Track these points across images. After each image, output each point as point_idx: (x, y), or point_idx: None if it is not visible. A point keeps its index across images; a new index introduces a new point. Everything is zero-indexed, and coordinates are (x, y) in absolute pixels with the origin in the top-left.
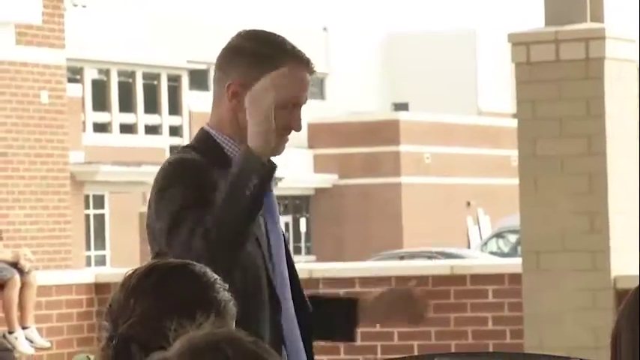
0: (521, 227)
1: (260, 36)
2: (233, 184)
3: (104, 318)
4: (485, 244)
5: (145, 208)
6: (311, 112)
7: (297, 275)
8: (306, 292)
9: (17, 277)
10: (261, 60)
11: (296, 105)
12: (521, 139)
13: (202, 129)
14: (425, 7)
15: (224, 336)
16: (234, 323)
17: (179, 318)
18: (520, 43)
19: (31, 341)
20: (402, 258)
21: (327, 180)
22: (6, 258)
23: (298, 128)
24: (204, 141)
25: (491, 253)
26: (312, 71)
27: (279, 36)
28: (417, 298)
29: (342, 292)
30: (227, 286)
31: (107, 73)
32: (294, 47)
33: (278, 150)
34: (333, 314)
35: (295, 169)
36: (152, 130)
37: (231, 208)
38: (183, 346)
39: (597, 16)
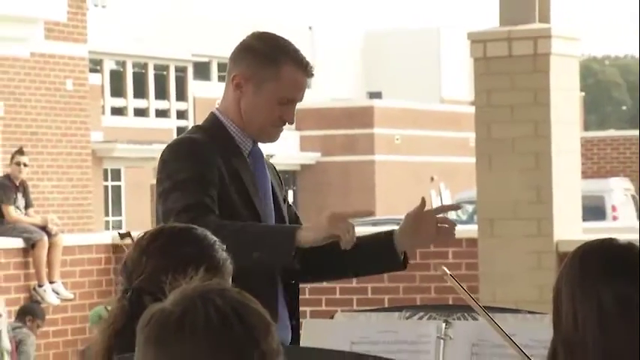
0: (477, 198)
1: (268, 38)
2: (265, 241)
3: (120, 274)
4: (446, 213)
5: (154, 181)
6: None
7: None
8: None
9: (46, 238)
10: (265, 59)
11: (291, 102)
12: (478, 124)
13: (212, 113)
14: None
15: (213, 287)
16: (230, 279)
17: (184, 274)
18: (478, 40)
19: (58, 293)
20: (374, 224)
21: (312, 157)
22: (36, 222)
23: (291, 121)
24: (212, 122)
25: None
26: (310, 74)
27: (285, 40)
28: (424, 216)
29: None
30: (224, 247)
31: (123, 64)
32: (296, 52)
33: (275, 138)
34: (374, 249)
35: (284, 148)
36: (162, 113)
37: (262, 245)
38: (177, 296)
39: (544, 18)
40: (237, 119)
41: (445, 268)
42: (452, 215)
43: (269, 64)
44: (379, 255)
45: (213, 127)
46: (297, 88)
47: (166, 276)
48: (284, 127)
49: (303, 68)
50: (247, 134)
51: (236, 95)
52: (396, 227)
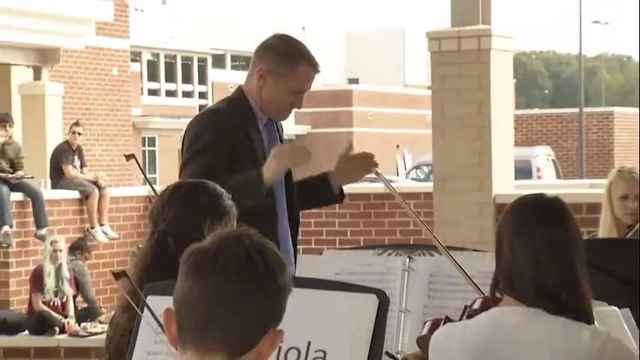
0: (433, 162)
1: (287, 40)
2: (240, 187)
3: (148, 220)
4: (408, 173)
5: (180, 146)
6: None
7: (293, 196)
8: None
9: (96, 191)
10: (284, 58)
11: (301, 92)
12: (434, 104)
13: (240, 87)
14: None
15: (242, 232)
16: (235, 221)
17: (199, 219)
18: (434, 38)
19: (106, 234)
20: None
21: (304, 129)
22: (89, 178)
23: (300, 107)
24: (239, 95)
25: (412, 179)
26: (318, 71)
27: (300, 43)
28: (364, 154)
29: None
30: (230, 196)
31: (157, 55)
32: (309, 53)
33: (285, 118)
34: (314, 187)
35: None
36: (187, 94)
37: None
38: (214, 238)
39: (486, 20)
40: (257, 100)
41: (377, 169)
42: (413, 175)
43: (287, 61)
44: (319, 192)
45: (239, 98)
46: (308, 82)
47: (184, 221)
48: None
49: (314, 67)
50: (264, 113)
51: (259, 84)
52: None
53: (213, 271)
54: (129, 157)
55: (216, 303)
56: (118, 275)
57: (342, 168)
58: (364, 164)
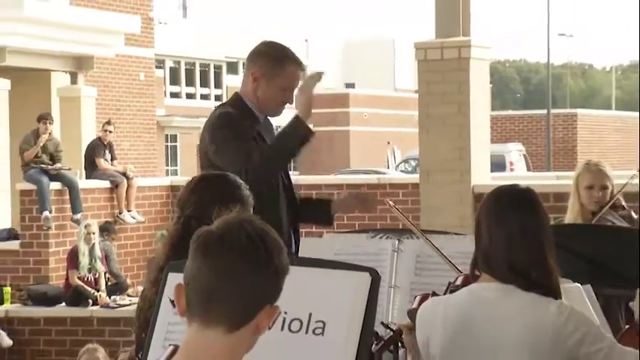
0: (419, 157)
1: (275, 46)
2: (287, 134)
3: (175, 206)
4: (398, 166)
5: (198, 142)
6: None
7: (291, 181)
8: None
9: (125, 181)
10: (274, 61)
11: (291, 89)
12: (420, 105)
13: (236, 93)
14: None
15: (245, 218)
16: (251, 209)
17: (219, 206)
18: (421, 48)
19: (134, 218)
20: (352, 173)
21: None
22: (118, 170)
23: (291, 102)
24: (236, 100)
25: (401, 171)
26: (303, 69)
27: (286, 47)
28: (365, 197)
29: (314, 193)
30: (248, 187)
31: (178, 63)
32: (294, 54)
33: (279, 114)
34: (317, 209)
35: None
36: (204, 97)
37: (283, 146)
38: (220, 222)
39: (466, 32)
40: (254, 100)
41: (390, 202)
42: (401, 168)
43: (277, 64)
44: (318, 215)
45: (237, 103)
46: (296, 79)
47: (207, 208)
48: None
49: (300, 65)
50: (261, 112)
51: (254, 86)
52: (334, 198)
53: (218, 252)
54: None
55: (220, 280)
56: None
57: (346, 204)
58: (366, 205)
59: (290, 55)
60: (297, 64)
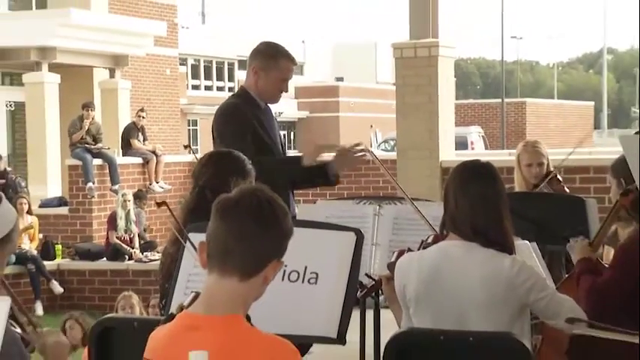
0: (397, 137)
1: (271, 45)
2: (287, 168)
3: (191, 178)
4: (379, 145)
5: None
6: (296, 81)
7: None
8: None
9: (154, 158)
10: (270, 57)
11: (286, 80)
12: (397, 95)
13: (242, 86)
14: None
15: (257, 187)
16: (254, 180)
17: (230, 177)
18: (397, 47)
19: (161, 188)
20: None
21: (304, 114)
22: (149, 149)
23: (287, 91)
24: (242, 92)
25: (382, 150)
26: (295, 63)
27: (280, 45)
28: (345, 153)
29: None
30: (250, 161)
31: (198, 61)
32: (286, 51)
33: (278, 101)
34: (319, 172)
35: (288, 108)
36: (220, 89)
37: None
38: (237, 191)
39: (435, 34)
40: (256, 91)
41: (371, 151)
42: (382, 147)
43: (272, 59)
44: (318, 177)
45: (242, 94)
46: (290, 71)
47: (217, 179)
48: (283, 94)
49: (292, 60)
50: (262, 100)
51: (255, 78)
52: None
53: (234, 214)
54: (160, 204)
55: (235, 237)
56: (159, 204)
57: (338, 164)
58: (355, 159)
59: (283, 51)
60: (289, 59)
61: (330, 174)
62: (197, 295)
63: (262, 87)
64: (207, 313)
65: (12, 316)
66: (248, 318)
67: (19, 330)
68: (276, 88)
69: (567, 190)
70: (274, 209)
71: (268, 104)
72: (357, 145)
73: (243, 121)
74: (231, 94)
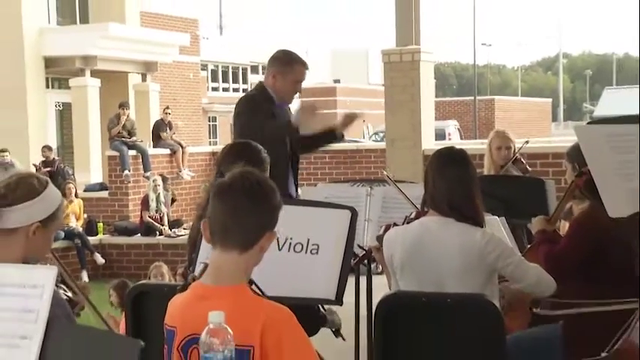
0: (385, 130)
1: (287, 52)
2: (312, 139)
3: (214, 165)
4: (370, 137)
5: (232, 122)
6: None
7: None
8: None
9: (180, 149)
10: (285, 63)
11: (300, 82)
12: (386, 94)
13: (261, 82)
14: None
15: (247, 170)
16: (268, 167)
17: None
18: (386, 53)
19: (188, 175)
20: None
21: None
22: (176, 141)
23: (300, 92)
24: (261, 88)
25: (373, 141)
26: (307, 68)
27: (293, 52)
28: (351, 115)
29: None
30: (266, 151)
31: (217, 66)
32: (299, 57)
33: (292, 101)
34: (327, 135)
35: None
36: (235, 90)
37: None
38: (230, 174)
39: (417, 42)
40: (274, 91)
41: (385, 172)
42: (373, 138)
43: (288, 65)
44: (329, 139)
45: (261, 90)
46: (303, 75)
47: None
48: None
49: (304, 65)
50: (278, 99)
51: (273, 81)
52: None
53: (228, 195)
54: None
55: (231, 215)
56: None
57: (342, 124)
58: (352, 119)
59: (297, 58)
60: (302, 64)
61: (337, 133)
62: (206, 265)
63: (280, 88)
64: (215, 284)
65: (63, 282)
66: (251, 282)
67: (69, 293)
68: (291, 89)
69: (529, 169)
70: (263, 187)
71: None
72: (354, 114)
73: (258, 109)
74: (251, 88)
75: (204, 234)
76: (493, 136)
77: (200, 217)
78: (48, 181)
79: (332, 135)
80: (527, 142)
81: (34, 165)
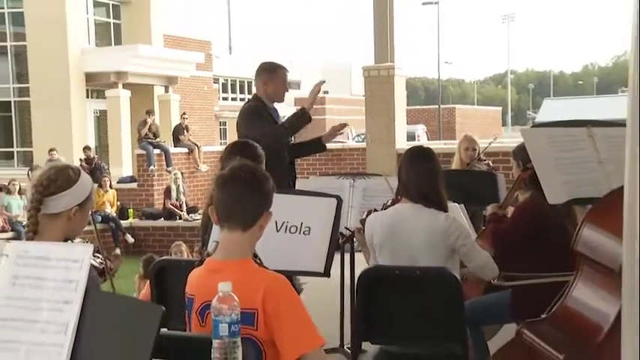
0: (366, 132)
1: (268, 62)
2: (295, 118)
3: (218, 161)
4: (353, 138)
5: None
6: (295, 93)
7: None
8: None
9: (197, 148)
10: (270, 71)
11: (286, 82)
12: (366, 104)
13: (255, 94)
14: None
15: (244, 163)
16: (264, 162)
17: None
18: (366, 69)
19: (203, 169)
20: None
21: None
22: (193, 141)
23: (287, 91)
24: (256, 98)
25: (356, 141)
26: (287, 71)
27: (276, 62)
28: (337, 128)
29: None
30: (261, 147)
31: (227, 80)
32: (280, 64)
33: (283, 99)
34: (314, 144)
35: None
36: (242, 100)
37: (292, 124)
38: (228, 168)
39: (392, 60)
40: (266, 97)
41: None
42: (356, 139)
43: (273, 72)
44: (316, 148)
45: (256, 99)
46: (286, 77)
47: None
48: (287, 104)
49: (285, 69)
50: (273, 100)
51: (264, 88)
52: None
53: (229, 184)
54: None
55: (233, 201)
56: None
57: (328, 135)
58: (337, 131)
59: (278, 64)
60: (283, 68)
61: (323, 141)
62: (217, 244)
63: (272, 91)
64: (225, 259)
65: (98, 251)
66: (255, 255)
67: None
68: (282, 89)
69: (490, 164)
70: (257, 176)
71: (275, 105)
72: (343, 125)
73: (257, 116)
74: (248, 99)
75: (212, 218)
76: (463, 139)
77: (209, 204)
78: (80, 170)
79: (319, 145)
80: (491, 143)
81: (80, 160)
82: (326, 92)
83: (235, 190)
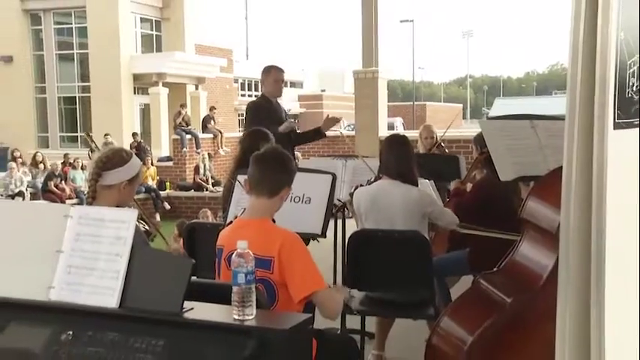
0: (355, 123)
1: (268, 65)
2: (309, 133)
3: (238, 143)
4: (345, 128)
5: None
6: (299, 91)
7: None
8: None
9: (220, 134)
10: (265, 72)
11: (279, 81)
12: (356, 100)
13: (262, 94)
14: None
15: (275, 147)
16: (273, 143)
17: (257, 143)
18: (356, 72)
19: (225, 151)
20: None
21: (301, 110)
22: (217, 128)
23: (282, 88)
24: (263, 95)
25: (347, 130)
26: (282, 71)
27: (274, 65)
28: (333, 118)
29: None
30: (272, 135)
31: (245, 80)
32: (274, 65)
33: (280, 95)
34: (314, 133)
35: (294, 107)
36: (256, 96)
37: (305, 137)
38: (263, 149)
39: (376, 64)
40: (268, 92)
41: (363, 158)
42: (348, 129)
43: (268, 72)
44: (315, 136)
45: (262, 96)
46: (279, 76)
47: (252, 144)
48: (293, 101)
49: (279, 69)
50: (272, 97)
51: (266, 85)
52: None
53: (262, 161)
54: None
55: (264, 174)
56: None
57: (326, 125)
58: (333, 122)
59: (273, 66)
60: (277, 69)
61: (322, 131)
62: (244, 210)
63: (268, 88)
64: (249, 218)
65: (142, 219)
66: (273, 221)
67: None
68: (276, 86)
69: (447, 151)
70: (284, 157)
71: (277, 99)
72: (336, 118)
73: (260, 109)
74: (257, 95)
75: (244, 187)
76: (422, 129)
77: (231, 177)
78: (132, 153)
79: (318, 133)
80: (445, 132)
81: (130, 144)
82: (323, 90)
83: (268, 164)
